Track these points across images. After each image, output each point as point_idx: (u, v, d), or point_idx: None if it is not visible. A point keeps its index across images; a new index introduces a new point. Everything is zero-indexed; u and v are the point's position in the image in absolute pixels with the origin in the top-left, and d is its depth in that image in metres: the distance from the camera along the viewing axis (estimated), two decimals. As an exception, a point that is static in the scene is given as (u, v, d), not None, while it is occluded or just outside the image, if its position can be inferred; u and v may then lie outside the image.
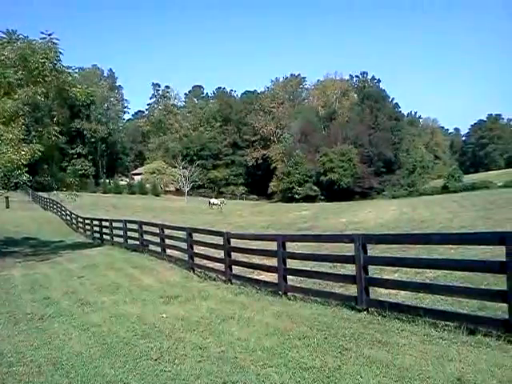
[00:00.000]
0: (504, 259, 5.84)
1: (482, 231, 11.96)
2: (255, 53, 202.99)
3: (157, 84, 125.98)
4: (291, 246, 11.98)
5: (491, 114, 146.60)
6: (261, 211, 55.96)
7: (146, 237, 19.00)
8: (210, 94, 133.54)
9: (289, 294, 9.61)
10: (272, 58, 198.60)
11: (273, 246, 10.07)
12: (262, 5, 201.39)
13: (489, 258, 9.85)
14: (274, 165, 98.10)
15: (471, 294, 6.79)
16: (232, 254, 12.00)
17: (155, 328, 7.56)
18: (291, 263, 10.27)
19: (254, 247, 12.31)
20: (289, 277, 9.88)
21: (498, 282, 7.92)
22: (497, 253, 9.58)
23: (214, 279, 12.35)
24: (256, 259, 13.17)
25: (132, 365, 5.91)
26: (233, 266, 11.87)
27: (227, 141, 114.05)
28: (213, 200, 66.07)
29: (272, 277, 10.45)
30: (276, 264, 9.86)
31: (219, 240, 12.33)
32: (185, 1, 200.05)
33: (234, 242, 12.24)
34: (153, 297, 10.18)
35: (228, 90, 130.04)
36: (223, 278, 11.99)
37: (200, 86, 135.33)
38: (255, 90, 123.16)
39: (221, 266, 12.21)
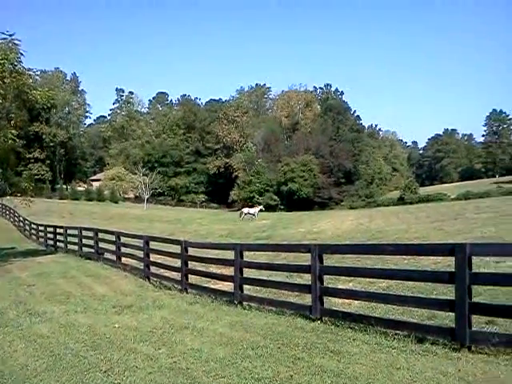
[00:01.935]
0: (453, 270, 6.01)
1: (433, 243, 12.32)
2: (221, 62, 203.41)
3: (121, 89, 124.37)
4: (249, 256, 11.96)
5: (447, 129, 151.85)
6: (221, 220, 55.76)
7: (102, 245, 18.62)
8: (174, 101, 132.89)
9: (244, 303, 9.59)
10: (238, 67, 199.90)
11: (231, 255, 10.03)
12: (228, 14, 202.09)
13: (440, 269, 10.17)
14: (235, 173, 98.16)
15: (421, 304, 6.95)
16: (189, 262, 11.89)
17: (106, 339, 7.38)
18: (248, 272, 10.27)
19: (212, 256, 12.24)
20: (245, 286, 9.86)
21: (446, 292, 8.16)
22: (447, 263, 9.91)
23: (170, 288, 12.19)
24: (213, 268, 13.09)
25: (79, 377, 5.73)
26: (189, 275, 11.76)
27: (190, 148, 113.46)
28: (246, 209, 56.84)
29: (228, 286, 10.41)
30: (233, 273, 9.83)
31: (176, 249, 12.20)
32: (151, 7, 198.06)
33: (192, 251, 12.14)
34: (105, 306, 9.95)
35: (193, 97, 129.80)
36: (179, 287, 11.85)
37: (164, 93, 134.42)
38: (220, 99, 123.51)
39: (177, 275, 12.08)
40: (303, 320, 7.92)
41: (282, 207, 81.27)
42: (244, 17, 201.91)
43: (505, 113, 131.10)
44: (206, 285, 11.50)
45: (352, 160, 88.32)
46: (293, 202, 79.26)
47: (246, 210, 56.76)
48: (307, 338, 6.82)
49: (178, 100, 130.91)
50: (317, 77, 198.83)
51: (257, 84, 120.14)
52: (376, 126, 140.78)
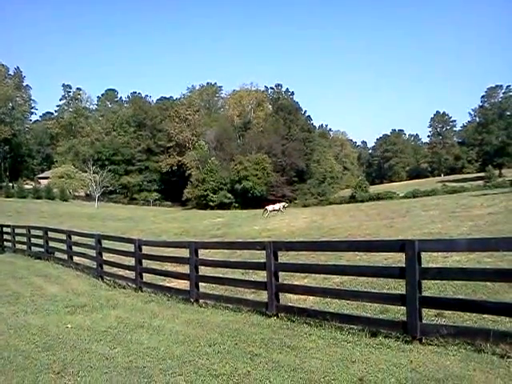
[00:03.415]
0: (404, 265, 6.21)
1: (385, 239, 12.63)
2: (171, 59, 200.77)
3: (68, 85, 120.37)
4: (204, 253, 11.93)
5: (395, 130, 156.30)
6: (174, 218, 55.25)
7: (52, 244, 18.08)
8: (124, 98, 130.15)
9: (200, 301, 9.58)
10: (189, 65, 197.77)
11: (186, 253, 9.98)
12: (181, 12, 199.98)
13: (390, 264, 10.48)
14: (188, 172, 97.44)
15: (374, 298, 7.15)
16: (143, 261, 11.74)
17: (58, 339, 7.18)
18: (204, 270, 10.24)
19: (167, 254, 12.14)
20: (201, 284, 9.84)
21: (398, 287, 8.43)
22: (397, 259, 10.23)
23: (124, 287, 12.01)
24: (168, 266, 12.98)
25: (31, 379, 5.55)
26: (144, 274, 11.62)
27: (141, 146, 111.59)
28: (270, 207, 54.21)
29: (184, 284, 10.36)
30: (188, 271, 9.78)
31: (130, 247, 12.02)
32: (99, 1, 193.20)
33: (146, 249, 11.99)
34: (57, 307, 9.68)
35: (143, 94, 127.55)
36: (133, 285, 11.70)
37: (114, 90, 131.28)
38: (171, 97, 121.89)
39: (131, 274, 11.91)
40: (260, 316, 7.98)
41: (237, 205, 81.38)
42: (194, 15, 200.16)
43: (448, 114, 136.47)
44: (161, 283, 11.40)
45: (304, 159, 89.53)
46: (247, 199, 79.52)
47: (270, 207, 56.17)
48: (264, 334, 6.88)
49: (128, 97, 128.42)
50: (268, 77, 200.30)
51: (208, 83, 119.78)
52: (326, 126, 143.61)
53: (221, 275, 10.41)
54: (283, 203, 57.63)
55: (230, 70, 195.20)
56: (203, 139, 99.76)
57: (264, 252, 8.08)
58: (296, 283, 9.57)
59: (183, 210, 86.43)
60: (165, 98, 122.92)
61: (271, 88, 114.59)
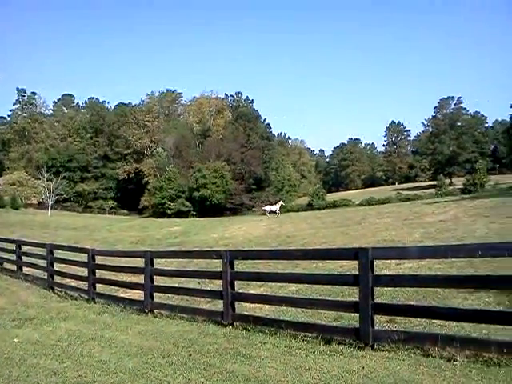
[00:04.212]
0: (357, 273, 6.31)
1: (339, 247, 12.81)
2: (131, 65, 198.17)
3: (22, 89, 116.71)
4: (160, 263, 11.76)
5: (352, 138, 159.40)
6: (131, 226, 54.27)
7: (1, 254, 17.42)
8: (81, 104, 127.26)
9: (155, 311, 9.43)
10: (149, 72, 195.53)
11: (141, 262, 9.82)
12: (140, 18, 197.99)
13: (345, 272, 10.63)
14: (146, 179, 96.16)
15: (328, 306, 7.23)
16: (97, 271, 11.48)
17: (4, 355, 6.87)
18: (159, 280, 10.10)
19: (121, 264, 11.89)
20: (156, 294, 9.70)
21: (352, 294, 8.55)
22: (352, 266, 10.39)
23: (76, 298, 11.69)
24: (123, 277, 12.72)
25: (-27, 397, 5.32)
26: (97, 284, 11.35)
27: (98, 153, 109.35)
28: (268, 207, 57.41)
29: (138, 294, 10.18)
30: (143, 281, 9.62)
31: (83, 257, 11.73)
32: (56, 2, 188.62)
33: (100, 259, 11.73)
34: (4, 320, 9.30)
35: (101, 100, 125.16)
36: (86, 296, 11.40)
37: (70, 95, 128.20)
38: (130, 103, 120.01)
39: (84, 285, 11.62)
40: (215, 326, 7.93)
41: (195, 213, 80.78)
42: (153, 21, 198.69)
43: (402, 124, 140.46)
44: (115, 294, 11.18)
45: (263, 167, 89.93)
46: (205, 208, 79.06)
47: (268, 207, 56.45)
48: (219, 343, 6.83)
49: (85, 102, 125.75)
50: (228, 85, 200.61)
51: (168, 89, 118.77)
52: (285, 134, 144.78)
53: (176, 285, 10.29)
54: (280, 203, 58.28)
55: (190, 77, 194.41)
56: (162, 146, 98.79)
57: (220, 261, 8.05)
58: (252, 292, 9.58)
59: (140, 218, 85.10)
60: (123, 104, 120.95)
61: (231, 96, 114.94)
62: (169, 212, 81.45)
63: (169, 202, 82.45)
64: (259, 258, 10.46)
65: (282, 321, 7.30)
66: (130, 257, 12.39)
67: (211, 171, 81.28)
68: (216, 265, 8.61)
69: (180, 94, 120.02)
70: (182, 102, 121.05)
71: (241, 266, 11.19)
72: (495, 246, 5.84)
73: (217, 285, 9.31)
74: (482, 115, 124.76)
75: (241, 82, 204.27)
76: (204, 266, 13.54)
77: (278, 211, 54.97)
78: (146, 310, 9.44)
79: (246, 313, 8.27)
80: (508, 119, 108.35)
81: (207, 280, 11.01)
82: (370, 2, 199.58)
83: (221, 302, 8.13)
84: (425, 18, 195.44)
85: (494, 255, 6.01)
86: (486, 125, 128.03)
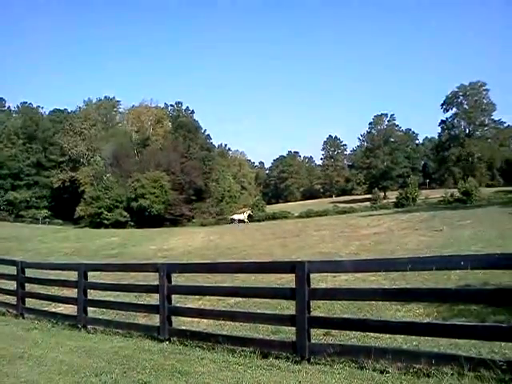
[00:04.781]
0: (294, 286, 6.39)
1: (276, 261, 12.93)
2: (67, 71, 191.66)
3: None
4: (96, 276, 11.41)
5: (291, 151, 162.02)
6: (65, 237, 52.27)
7: None
8: (13, 108, 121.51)
9: (89, 326, 9.12)
10: (86, 78, 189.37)
11: (74, 275, 9.48)
12: (80, 24, 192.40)
13: (284, 284, 10.74)
14: (82, 188, 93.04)
15: (266, 320, 7.27)
16: (27, 285, 10.96)
17: None
18: (94, 294, 9.79)
19: (54, 277, 11.42)
20: (90, 308, 9.39)
21: (290, 306, 8.64)
22: (291, 279, 10.52)
23: (4, 314, 11.10)
24: (55, 290, 12.22)
25: None
26: (27, 299, 10.83)
27: (30, 160, 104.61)
28: (236, 216, 57.05)
29: (71, 309, 9.83)
30: (76, 295, 9.29)
31: (12, 270, 11.16)
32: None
33: (30, 272, 11.21)
34: None
35: (35, 105, 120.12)
36: (14, 312, 10.86)
37: (1, 99, 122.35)
38: (66, 109, 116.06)
39: (12, 299, 11.04)
40: (151, 341, 7.77)
41: (133, 224, 78.98)
42: (93, 26, 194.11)
43: (339, 139, 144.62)
44: (46, 308, 10.72)
45: (203, 178, 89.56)
46: (144, 218, 77.49)
47: (236, 216, 57.31)
48: (155, 359, 6.69)
49: (18, 107, 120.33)
50: (168, 94, 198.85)
51: (106, 96, 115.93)
52: (226, 145, 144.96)
53: (112, 299, 10.01)
54: (247, 212, 58.09)
55: (129, 85, 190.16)
56: (99, 154, 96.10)
57: (157, 274, 7.92)
58: (190, 306, 9.49)
59: (75, 228, 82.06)
60: (59, 110, 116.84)
61: (171, 105, 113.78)
62: (106, 222, 79.11)
63: (106, 212, 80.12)
64: (197, 271, 10.36)
65: (219, 335, 7.26)
66: (63, 269, 11.94)
67: (150, 181, 79.93)
68: (153, 278, 8.45)
69: (118, 101, 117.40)
70: (120, 109, 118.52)
71: (179, 278, 11.06)
72: (424, 261, 6.11)
73: (154, 299, 9.13)
74: (413, 132, 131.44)
75: (181, 93, 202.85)
76: (141, 279, 13.26)
77: (246, 220, 55.21)
78: (79, 326, 9.10)
79: (184, 327, 8.17)
80: (436, 137, 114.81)
81: (144, 294, 10.79)
82: (311, 17, 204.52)
83: (157, 316, 7.98)
84: (364, 37, 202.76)
85: (422, 269, 6.29)
86: (417, 141, 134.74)
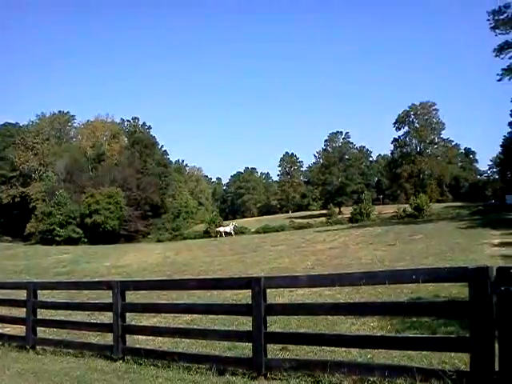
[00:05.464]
0: (250, 302, 6.39)
1: (232, 277, 12.87)
2: (18, 84, 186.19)
3: None
4: (46, 294, 11.03)
5: (248, 167, 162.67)
6: (14, 254, 50.39)
7: None
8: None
9: (38, 347, 8.79)
10: (39, 92, 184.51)
11: (23, 294, 9.14)
12: (32, 36, 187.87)
13: (240, 300, 10.71)
14: (33, 204, 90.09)
15: (222, 336, 7.22)
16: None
17: None
18: (44, 313, 9.45)
19: (1, 296, 10.96)
20: (40, 328, 9.06)
21: (247, 322, 8.61)
22: (247, 294, 10.50)
23: None
24: (2, 310, 11.72)
25: None
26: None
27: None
28: (222, 228, 56.20)
29: (19, 329, 9.43)
30: (25, 315, 8.94)
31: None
32: None
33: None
34: None
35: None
36: (-45, 335, 10.30)
37: None
38: (17, 123, 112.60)
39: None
40: (104, 361, 7.56)
41: (86, 240, 76.97)
42: (43, 38, 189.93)
43: (295, 155, 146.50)
44: (-9, 330, 10.22)
45: (159, 193, 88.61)
46: (98, 234, 75.70)
47: (221, 229, 56.48)
48: (107, 380, 6.49)
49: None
50: (124, 110, 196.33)
51: (60, 111, 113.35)
52: (183, 161, 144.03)
53: (63, 318, 9.69)
54: (233, 224, 58.06)
55: (84, 99, 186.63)
56: (52, 170, 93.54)
57: (111, 292, 7.75)
58: (144, 324, 9.31)
59: (25, 245, 79.26)
60: (9, 123, 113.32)
61: (127, 121, 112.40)
62: (58, 239, 76.73)
63: (58, 229, 77.77)
64: (152, 288, 10.19)
65: (174, 353, 7.15)
66: (11, 288, 11.51)
67: (105, 197, 78.36)
68: (107, 296, 8.25)
69: (73, 116, 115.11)
70: (74, 124, 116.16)
71: (134, 296, 10.85)
72: (377, 275, 6.26)
73: (107, 317, 8.90)
74: (367, 149, 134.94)
75: (138, 108, 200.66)
76: (95, 297, 12.92)
77: (232, 232, 55.26)
78: (28, 347, 8.75)
79: (138, 346, 8.00)
80: (389, 154, 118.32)
81: (97, 312, 10.51)
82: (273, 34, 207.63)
83: (111, 335, 7.79)
84: (320, 55, 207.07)
85: (376, 283, 6.43)
86: (371, 158, 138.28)
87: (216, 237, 55.03)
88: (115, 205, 78.67)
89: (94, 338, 9.19)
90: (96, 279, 18.06)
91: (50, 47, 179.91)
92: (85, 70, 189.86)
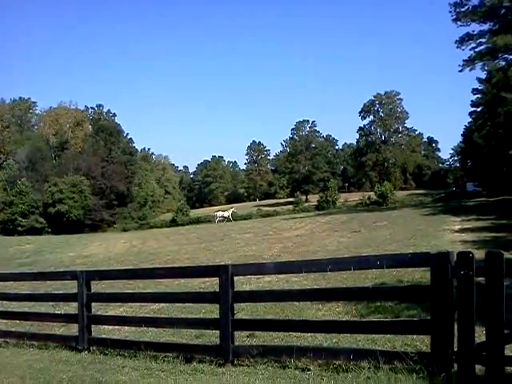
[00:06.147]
0: (218, 290, 6.40)
1: (200, 265, 12.83)
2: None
3: None
4: (8, 285, 10.76)
5: (215, 156, 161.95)
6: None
7: None
8: None
9: (0, 340, 8.58)
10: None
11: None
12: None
13: (208, 288, 10.73)
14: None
15: (189, 324, 7.23)
16: None
17: None
18: (6, 305, 9.24)
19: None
20: (1, 321, 8.85)
21: (214, 310, 8.63)
22: (215, 282, 10.51)
23: None
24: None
25: None
26: None
27: None
28: (220, 213, 55.56)
29: (-21, 323, 9.18)
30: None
31: None
32: None
33: None
34: None
35: None
36: None
37: None
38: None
39: None
40: (69, 352, 7.46)
41: (50, 230, 75.38)
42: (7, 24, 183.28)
43: (263, 144, 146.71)
44: None
45: (125, 182, 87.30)
46: (62, 224, 74.19)
47: (219, 213, 55.58)
48: (73, 371, 6.41)
49: None
50: (89, 97, 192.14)
51: (20, 97, 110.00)
52: (149, 149, 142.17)
53: (26, 309, 9.49)
54: (232, 209, 57.36)
55: (46, 86, 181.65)
56: (13, 158, 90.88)
57: (76, 282, 7.64)
58: (111, 313, 9.22)
59: (-16, 236, 77.14)
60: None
61: (92, 108, 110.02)
62: (20, 229, 74.87)
63: (20, 219, 75.86)
64: (119, 277, 10.08)
65: (141, 342, 7.11)
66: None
67: (69, 186, 76.76)
68: (72, 286, 8.11)
69: (35, 103, 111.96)
70: (36, 111, 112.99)
71: (99, 285, 10.71)
72: (343, 261, 6.36)
73: (73, 307, 8.77)
74: (333, 138, 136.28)
75: (103, 96, 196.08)
76: (59, 288, 12.68)
77: (230, 217, 54.64)
78: (-11, 340, 8.55)
79: (104, 336, 7.92)
80: (355, 143, 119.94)
81: (62, 303, 10.33)
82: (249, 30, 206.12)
83: (76, 325, 7.69)
84: (289, 44, 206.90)
85: (342, 269, 6.53)
86: (337, 147, 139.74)
87: (215, 219, 54.95)
88: (79, 194, 77.22)
89: (58, 329, 9.05)
90: (60, 269, 17.74)
91: (10, 32, 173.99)
92: (46, 56, 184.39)
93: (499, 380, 4.49)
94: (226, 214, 56.47)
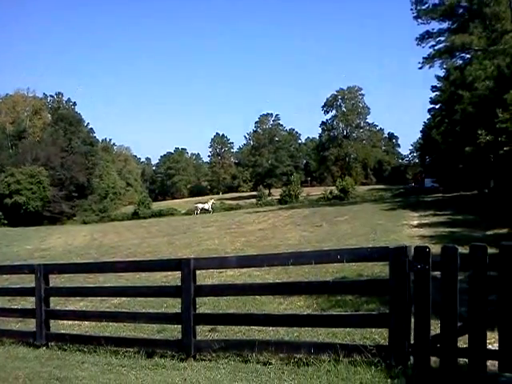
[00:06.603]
0: (179, 284, 6.38)
1: (162, 259, 12.70)
2: None
3: None
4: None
5: (178, 148, 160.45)
6: None
7: None
8: None
9: (-49, 337, 8.30)
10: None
11: None
12: None
13: (170, 282, 10.68)
14: None
15: (150, 319, 7.19)
16: None
17: None
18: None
19: None
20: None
21: (176, 304, 8.60)
22: (177, 276, 10.47)
23: None
24: None
25: None
26: None
27: None
28: (200, 205, 55.17)
29: None
30: None
31: None
32: None
33: None
34: None
35: None
36: None
37: None
38: None
39: None
40: (26, 348, 7.30)
41: (6, 222, 73.09)
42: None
43: (226, 137, 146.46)
44: None
45: (85, 173, 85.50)
46: (19, 216, 72.05)
47: (200, 205, 55.21)
48: (30, 367, 6.27)
49: None
50: (48, 86, 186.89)
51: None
52: (110, 140, 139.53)
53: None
54: (211, 201, 57.98)
55: (2, 73, 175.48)
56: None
57: (33, 276, 7.47)
58: (70, 308, 9.06)
59: None
60: None
61: (51, 96, 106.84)
62: (-26, 222, 72.50)
63: (-26, 210, 73.38)
64: (78, 271, 9.90)
65: (101, 337, 7.03)
66: None
67: (26, 176, 74.55)
68: (29, 280, 7.93)
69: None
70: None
71: (58, 279, 10.50)
72: (304, 255, 6.44)
73: (30, 302, 8.57)
74: (297, 132, 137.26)
75: (62, 84, 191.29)
76: (16, 282, 12.35)
77: (210, 209, 54.44)
78: None
79: (63, 331, 7.80)
80: (317, 137, 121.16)
81: (19, 297, 10.08)
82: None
83: (33, 321, 7.52)
84: (252, 37, 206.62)
85: (303, 263, 6.61)
86: (300, 141, 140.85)
87: (195, 212, 54.77)
88: (38, 185, 75.12)
89: (15, 324, 8.84)
90: (17, 263, 17.26)
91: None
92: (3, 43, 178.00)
93: (453, 371, 4.67)
94: (206, 206, 56.44)
